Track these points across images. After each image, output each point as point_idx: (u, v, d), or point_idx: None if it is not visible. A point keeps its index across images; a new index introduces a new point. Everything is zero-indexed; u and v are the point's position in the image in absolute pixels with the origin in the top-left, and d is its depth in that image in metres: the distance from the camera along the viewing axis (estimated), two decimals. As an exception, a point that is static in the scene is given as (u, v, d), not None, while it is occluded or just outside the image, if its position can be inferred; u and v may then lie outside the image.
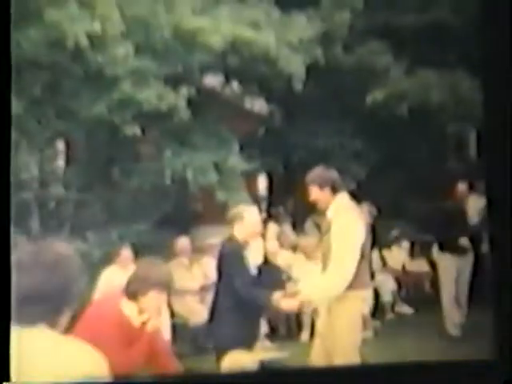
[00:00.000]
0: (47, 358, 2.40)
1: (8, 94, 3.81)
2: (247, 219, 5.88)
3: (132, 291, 4.33)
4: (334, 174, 5.43)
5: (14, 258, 2.69)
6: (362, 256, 5.22)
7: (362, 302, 5.34)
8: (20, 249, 2.56)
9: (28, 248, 2.52)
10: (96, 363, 2.47)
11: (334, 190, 5.32)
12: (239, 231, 5.81)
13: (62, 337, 2.49)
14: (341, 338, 5.05)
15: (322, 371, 4.90)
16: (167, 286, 4.45)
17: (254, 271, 6.04)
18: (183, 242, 8.70)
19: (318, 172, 5.47)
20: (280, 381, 4.23)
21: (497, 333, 3.93)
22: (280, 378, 4.30)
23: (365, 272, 5.32)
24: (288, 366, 5.10)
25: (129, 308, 4.31)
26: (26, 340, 2.40)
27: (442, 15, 11.65)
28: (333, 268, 5.11)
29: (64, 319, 2.50)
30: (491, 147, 4.01)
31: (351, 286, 5.10)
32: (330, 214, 5.27)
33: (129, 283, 4.41)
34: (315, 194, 5.38)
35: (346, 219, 5.17)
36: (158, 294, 4.35)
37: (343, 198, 5.35)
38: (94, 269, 7.78)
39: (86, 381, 2.36)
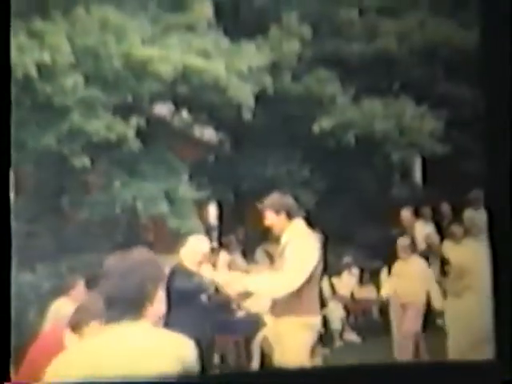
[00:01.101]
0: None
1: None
2: (192, 247, 5.98)
3: (76, 322, 4.33)
4: (289, 200, 5.61)
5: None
6: (313, 283, 5.32)
7: (311, 329, 5.43)
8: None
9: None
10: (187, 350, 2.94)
11: (290, 215, 5.48)
12: (186, 258, 5.90)
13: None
14: (289, 364, 5.14)
15: (323, 371, 4.91)
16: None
17: (204, 299, 6.10)
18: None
19: (274, 198, 5.64)
20: (280, 381, 4.23)
21: (496, 333, 3.98)
22: (280, 378, 4.30)
23: (314, 299, 5.43)
24: (288, 366, 5.13)
25: (70, 342, 4.29)
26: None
27: (388, 44, 11.92)
28: (282, 271, 5.28)
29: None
30: (492, 162, 4.09)
31: (300, 313, 5.21)
32: (284, 238, 5.43)
33: (74, 315, 4.42)
34: (271, 218, 5.52)
35: (300, 244, 5.33)
36: (101, 323, 4.35)
37: (299, 223, 5.51)
38: (43, 301, 7.71)
39: (92, 380, 2.56)
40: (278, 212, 5.47)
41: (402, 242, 8.78)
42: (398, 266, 8.83)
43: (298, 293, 5.26)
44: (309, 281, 5.30)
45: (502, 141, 4.22)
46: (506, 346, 3.94)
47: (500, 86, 4.23)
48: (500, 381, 3.92)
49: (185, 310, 5.60)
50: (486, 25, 4.15)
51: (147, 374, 2.78)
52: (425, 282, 9.11)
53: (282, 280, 5.26)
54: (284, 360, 5.17)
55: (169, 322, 5.41)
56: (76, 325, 4.32)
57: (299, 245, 5.32)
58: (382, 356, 8.68)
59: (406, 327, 8.55)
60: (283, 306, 5.31)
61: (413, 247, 9.15)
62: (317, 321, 5.48)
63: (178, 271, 6.00)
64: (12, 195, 10.57)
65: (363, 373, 4.40)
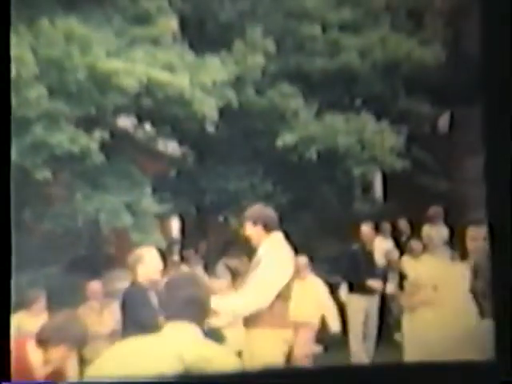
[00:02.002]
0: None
1: None
2: (148, 260, 5.98)
3: (44, 340, 4.34)
4: (269, 213, 5.64)
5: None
6: (287, 296, 5.38)
7: (284, 342, 5.44)
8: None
9: None
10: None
11: (267, 227, 5.48)
12: (142, 274, 5.90)
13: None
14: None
15: (323, 371, 4.91)
16: (81, 343, 4.49)
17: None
18: (94, 285, 8.68)
19: (254, 209, 5.69)
20: (280, 381, 4.24)
21: (496, 333, 4.00)
22: (280, 378, 4.30)
23: (287, 313, 5.47)
24: (288, 367, 5.15)
25: (35, 356, 4.31)
26: None
27: (350, 60, 12.07)
28: (250, 288, 5.30)
29: None
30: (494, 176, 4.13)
31: (273, 325, 5.27)
32: (261, 250, 5.42)
33: (42, 331, 4.43)
34: (249, 229, 5.54)
35: (275, 258, 5.34)
36: (70, 349, 4.38)
37: (277, 236, 5.53)
38: (3, 314, 7.65)
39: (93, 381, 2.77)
40: (255, 223, 5.48)
41: (300, 261, 8.70)
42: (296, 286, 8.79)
43: (271, 306, 5.27)
44: (282, 294, 5.33)
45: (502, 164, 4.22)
46: (506, 346, 3.99)
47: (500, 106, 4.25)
48: (500, 381, 3.95)
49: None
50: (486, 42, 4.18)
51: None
52: (320, 303, 9.14)
53: (249, 296, 5.27)
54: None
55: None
56: (43, 341, 4.34)
57: (273, 258, 5.33)
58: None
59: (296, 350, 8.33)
60: (255, 319, 5.31)
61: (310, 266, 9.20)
62: (289, 334, 5.53)
63: (132, 291, 5.99)
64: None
65: (363, 373, 4.41)
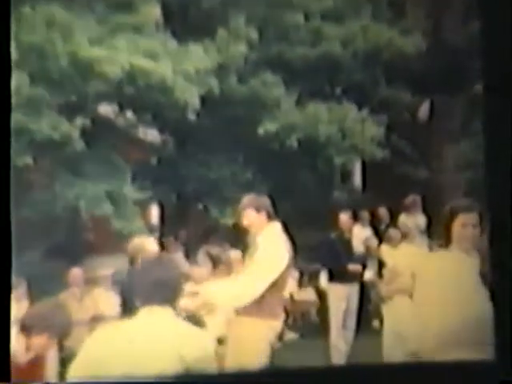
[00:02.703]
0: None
1: None
2: (149, 249, 6.02)
3: (27, 327, 4.38)
4: (268, 201, 5.63)
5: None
6: (279, 287, 5.39)
7: (273, 331, 5.47)
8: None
9: None
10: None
11: (269, 215, 5.51)
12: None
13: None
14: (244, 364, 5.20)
15: (323, 371, 4.93)
16: (64, 332, 4.53)
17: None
18: (76, 272, 8.69)
19: (253, 197, 5.66)
20: (281, 381, 4.25)
21: (496, 333, 4.01)
22: (281, 378, 4.32)
23: (279, 303, 5.49)
24: (288, 367, 5.17)
25: (18, 342, 4.35)
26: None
27: (332, 49, 12.11)
28: (245, 277, 5.30)
29: None
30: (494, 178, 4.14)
31: (263, 316, 5.29)
32: (260, 239, 5.40)
33: (26, 318, 4.46)
34: (251, 217, 5.49)
35: (275, 246, 5.37)
36: (52, 337, 4.42)
37: (276, 226, 5.55)
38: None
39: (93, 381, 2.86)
40: (258, 211, 5.46)
41: None
42: None
43: (263, 295, 5.26)
44: (275, 285, 5.32)
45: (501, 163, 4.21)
46: (506, 346, 4.00)
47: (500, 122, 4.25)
48: (500, 381, 3.96)
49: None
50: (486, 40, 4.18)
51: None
52: None
53: (245, 287, 5.26)
54: (239, 360, 5.21)
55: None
56: (27, 328, 4.38)
57: (272, 247, 5.34)
58: (319, 357, 8.86)
59: None
60: (246, 307, 5.30)
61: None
62: (279, 324, 5.56)
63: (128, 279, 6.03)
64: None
65: (363, 372, 4.43)
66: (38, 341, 4.36)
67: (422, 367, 4.28)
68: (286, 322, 10.55)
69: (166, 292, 3.45)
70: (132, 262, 6.09)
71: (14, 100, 9.01)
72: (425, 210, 10.78)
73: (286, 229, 5.64)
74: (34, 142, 9.31)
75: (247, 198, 5.63)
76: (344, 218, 9.96)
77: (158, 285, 3.43)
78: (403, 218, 10.52)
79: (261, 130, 11.33)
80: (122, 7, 10.69)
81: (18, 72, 9.22)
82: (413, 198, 10.66)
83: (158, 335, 3.33)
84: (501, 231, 4.00)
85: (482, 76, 4.24)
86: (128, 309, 6.03)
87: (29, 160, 9.37)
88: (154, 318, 3.40)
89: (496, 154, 4.05)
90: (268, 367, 5.07)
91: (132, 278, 5.95)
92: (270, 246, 5.33)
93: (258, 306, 5.28)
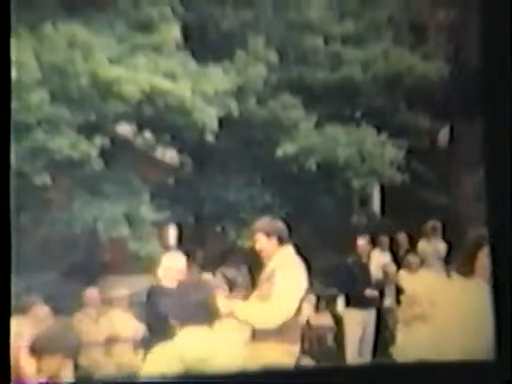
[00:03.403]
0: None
1: None
2: (171, 264, 5.96)
3: (37, 349, 4.31)
4: (280, 225, 5.51)
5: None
6: (295, 312, 5.30)
7: (291, 357, 5.38)
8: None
9: None
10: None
11: (281, 240, 5.38)
12: (164, 277, 5.88)
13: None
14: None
15: (323, 371, 4.86)
16: (75, 353, 4.47)
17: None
18: (92, 292, 8.63)
19: (265, 221, 5.58)
20: (281, 381, 4.21)
21: (497, 333, 3.97)
22: (281, 378, 4.27)
23: (296, 328, 5.43)
24: (288, 367, 5.12)
25: (28, 365, 4.29)
26: None
27: (352, 73, 12.09)
28: (275, 301, 5.17)
29: None
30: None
31: (282, 340, 5.21)
32: (273, 264, 5.31)
33: (35, 341, 4.40)
34: (262, 242, 5.40)
35: (291, 272, 5.27)
36: (64, 358, 4.36)
37: (290, 250, 5.43)
38: None
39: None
40: (269, 236, 5.36)
41: None
42: None
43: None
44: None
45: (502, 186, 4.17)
46: (506, 345, 3.96)
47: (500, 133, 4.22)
48: (500, 381, 3.93)
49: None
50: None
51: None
52: None
53: (273, 310, 5.18)
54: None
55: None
56: (37, 351, 4.33)
57: (290, 273, 5.25)
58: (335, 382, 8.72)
59: None
60: (264, 332, 5.24)
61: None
62: (296, 349, 5.48)
63: (155, 292, 5.96)
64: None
65: (363, 372, 4.38)
66: (50, 362, 4.30)
67: (422, 367, 4.24)
68: (301, 347, 10.44)
69: (205, 313, 3.51)
70: (158, 278, 6.02)
71: (34, 118, 9.13)
72: (444, 237, 10.66)
73: (300, 252, 5.55)
74: (52, 161, 9.29)
75: (259, 222, 5.57)
76: (361, 242, 9.90)
77: (196, 306, 3.49)
78: (423, 244, 10.42)
79: (279, 153, 11.28)
80: (142, 27, 10.71)
81: (39, 90, 9.25)
82: (432, 224, 10.53)
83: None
84: (500, 231, 3.99)
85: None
86: (159, 329, 5.96)
87: (47, 179, 9.35)
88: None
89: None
90: (268, 367, 4.98)
91: (167, 299, 5.90)
92: (288, 271, 5.25)
93: (276, 331, 5.19)
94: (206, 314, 3.52)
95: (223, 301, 5.60)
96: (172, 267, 6.07)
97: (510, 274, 3.96)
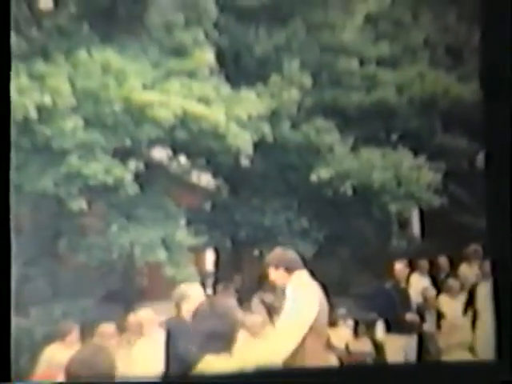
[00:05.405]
0: None
1: None
2: (194, 297, 5.95)
3: (73, 374, 4.23)
4: (290, 255, 5.58)
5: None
6: (317, 332, 5.26)
7: None
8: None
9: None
10: None
11: (289, 269, 5.43)
12: (187, 309, 5.85)
13: None
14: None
15: (323, 371, 4.83)
16: (109, 376, 4.37)
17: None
18: (133, 319, 8.50)
19: (275, 253, 5.65)
20: (281, 381, 4.15)
21: (496, 333, 3.94)
22: (281, 378, 4.22)
23: (318, 348, 5.36)
24: (288, 367, 5.07)
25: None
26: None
27: (387, 95, 12.00)
28: (274, 337, 5.31)
29: None
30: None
31: (309, 362, 5.15)
32: (287, 292, 5.36)
33: (71, 364, 4.31)
34: (272, 274, 5.51)
35: (300, 296, 5.27)
36: (100, 380, 4.27)
37: (300, 276, 5.44)
38: (36, 346, 7.59)
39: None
40: (277, 267, 5.47)
41: None
42: None
43: (302, 343, 5.18)
44: (312, 331, 5.26)
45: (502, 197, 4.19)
46: (506, 346, 3.89)
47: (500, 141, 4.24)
48: (500, 381, 3.87)
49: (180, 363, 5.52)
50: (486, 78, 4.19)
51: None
52: None
53: (278, 343, 5.24)
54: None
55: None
56: (73, 375, 4.23)
57: (298, 299, 5.27)
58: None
59: None
60: (290, 357, 5.20)
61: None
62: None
63: (174, 328, 5.97)
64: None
65: (363, 373, 4.32)
66: None
67: (422, 367, 4.23)
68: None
69: (221, 342, 3.46)
70: (177, 308, 6.06)
71: (68, 144, 9.13)
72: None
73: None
74: (87, 187, 9.28)
75: (270, 255, 5.67)
76: (399, 266, 9.75)
77: (212, 335, 3.45)
78: (464, 268, 10.21)
79: (314, 177, 11.19)
80: (175, 52, 10.73)
81: (74, 116, 9.27)
82: (474, 248, 10.33)
83: None
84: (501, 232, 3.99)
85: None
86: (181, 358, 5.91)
87: (83, 204, 9.34)
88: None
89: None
90: (268, 367, 4.92)
91: (185, 327, 5.84)
92: (296, 298, 5.28)
93: (301, 354, 5.16)
94: (223, 343, 3.50)
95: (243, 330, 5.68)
96: (196, 298, 6.07)
97: (510, 274, 3.96)
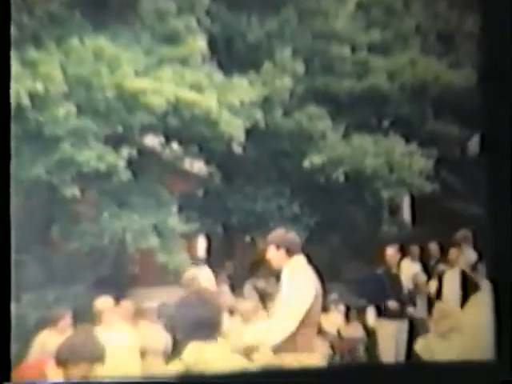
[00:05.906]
0: None
1: None
2: (203, 280, 6.04)
3: (63, 358, 4.29)
4: (292, 237, 5.68)
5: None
6: (311, 319, 5.35)
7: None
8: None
9: None
10: None
11: (289, 252, 5.51)
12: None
13: None
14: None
15: (323, 371, 4.88)
16: (100, 359, 4.43)
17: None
18: (125, 305, 8.54)
19: (277, 233, 5.74)
20: (281, 381, 4.20)
21: (496, 333, 3.99)
22: (281, 378, 4.27)
23: (312, 336, 5.41)
24: (288, 367, 5.11)
25: (55, 375, 4.27)
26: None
27: (378, 82, 12.02)
28: (276, 316, 5.37)
29: None
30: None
31: (298, 350, 5.19)
32: (283, 275, 5.48)
33: (61, 349, 4.37)
34: (271, 253, 5.59)
35: (298, 280, 5.38)
36: (89, 366, 4.33)
37: (299, 260, 5.54)
38: (28, 332, 7.64)
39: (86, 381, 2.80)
40: (278, 247, 5.53)
41: None
42: None
43: (296, 330, 5.28)
44: (307, 317, 5.32)
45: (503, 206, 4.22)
46: (506, 345, 3.94)
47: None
48: (500, 381, 3.91)
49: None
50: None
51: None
52: None
53: (277, 326, 5.30)
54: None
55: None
56: (62, 360, 4.29)
57: (295, 283, 5.37)
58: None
59: None
60: (282, 344, 5.29)
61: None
62: (315, 358, 5.47)
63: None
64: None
65: (363, 372, 4.37)
66: (77, 370, 4.28)
67: (422, 367, 4.27)
68: (333, 359, 10.32)
69: (207, 329, 3.48)
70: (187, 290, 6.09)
71: (60, 131, 9.16)
72: (475, 246, 10.51)
73: (310, 260, 5.62)
74: (80, 174, 9.32)
75: (271, 235, 5.73)
76: (390, 252, 9.80)
77: (198, 322, 3.46)
78: (453, 253, 10.26)
79: (306, 163, 11.23)
80: (168, 39, 10.74)
81: (66, 103, 9.29)
82: (464, 234, 10.38)
83: None
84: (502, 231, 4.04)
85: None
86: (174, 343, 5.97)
87: (76, 191, 9.39)
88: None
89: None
90: (268, 367, 5.00)
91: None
92: (293, 282, 5.39)
93: (292, 342, 5.27)
94: (209, 330, 3.50)
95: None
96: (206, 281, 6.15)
97: (510, 274, 3.98)
